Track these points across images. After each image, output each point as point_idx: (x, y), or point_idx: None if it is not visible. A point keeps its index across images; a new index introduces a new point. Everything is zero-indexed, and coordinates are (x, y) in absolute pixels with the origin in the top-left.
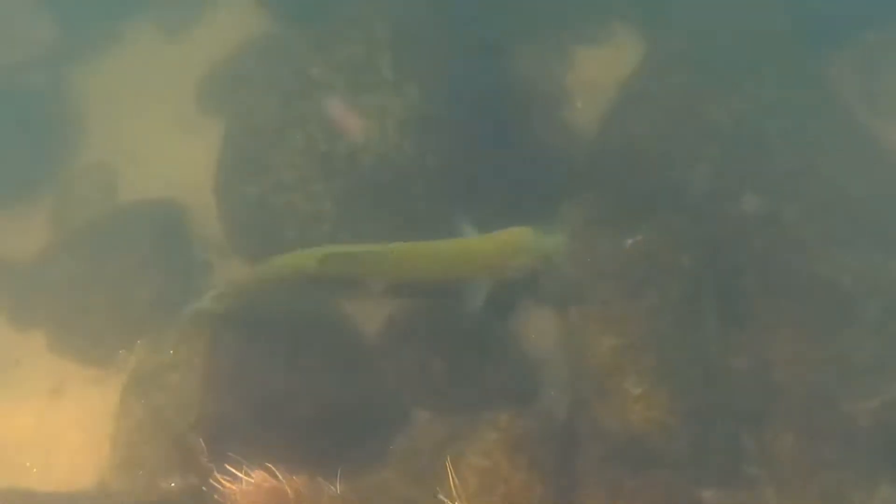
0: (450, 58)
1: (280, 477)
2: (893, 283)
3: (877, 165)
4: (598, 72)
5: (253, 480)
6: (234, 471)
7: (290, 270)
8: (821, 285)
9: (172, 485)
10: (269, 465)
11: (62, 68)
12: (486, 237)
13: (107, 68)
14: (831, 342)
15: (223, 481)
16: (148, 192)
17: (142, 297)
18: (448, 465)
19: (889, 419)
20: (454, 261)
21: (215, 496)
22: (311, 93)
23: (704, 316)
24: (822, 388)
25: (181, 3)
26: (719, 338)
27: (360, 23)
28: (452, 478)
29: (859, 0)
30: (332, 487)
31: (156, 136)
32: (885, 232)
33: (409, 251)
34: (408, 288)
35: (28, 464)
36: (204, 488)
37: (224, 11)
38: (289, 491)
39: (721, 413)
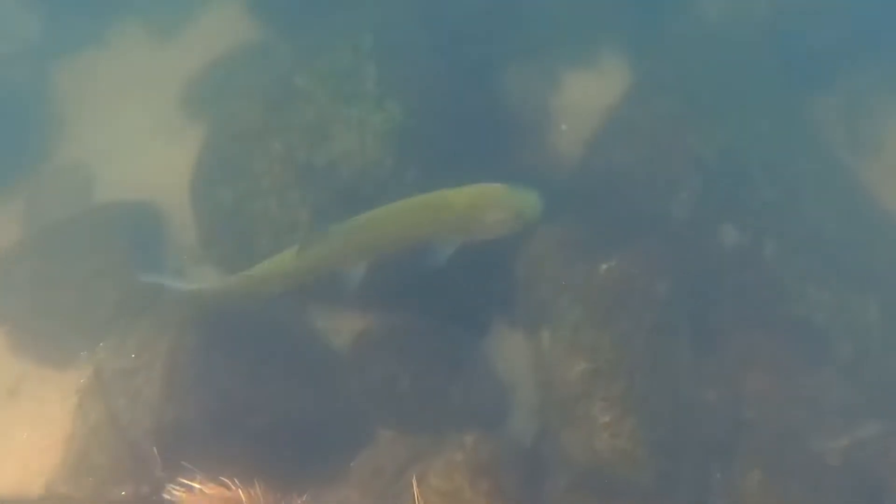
0: (435, 74)
1: (236, 489)
2: (866, 325)
3: (856, 206)
4: (583, 96)
5: (207, 492)
6: (188, 482)
7: (270, 276)
8: (795, 322)
9: (123, 493)
10: (226, 477)
11: (45, 65)
12: (458, 190)
13: (90, 68)
14: (803, 380)
15: (176, 491)
16: (124, 194)
17: (107, 300)
18: (414, 484)
19: (858, 459)
20: (427, 214)
21: None
22: (293, 101)
23: (677, 346)
24: (792, 426)
25: (169, 7)
26: (691, 369)
27: (347, 33)
28: (417, 499)
29: (845, 43)
30: (290, 502)
31: (135, 138)
32: (861, 272)
33: (381, 213)
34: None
35: None
36: (154, 498)
37: (211, 17)
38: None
39: (689, 445)
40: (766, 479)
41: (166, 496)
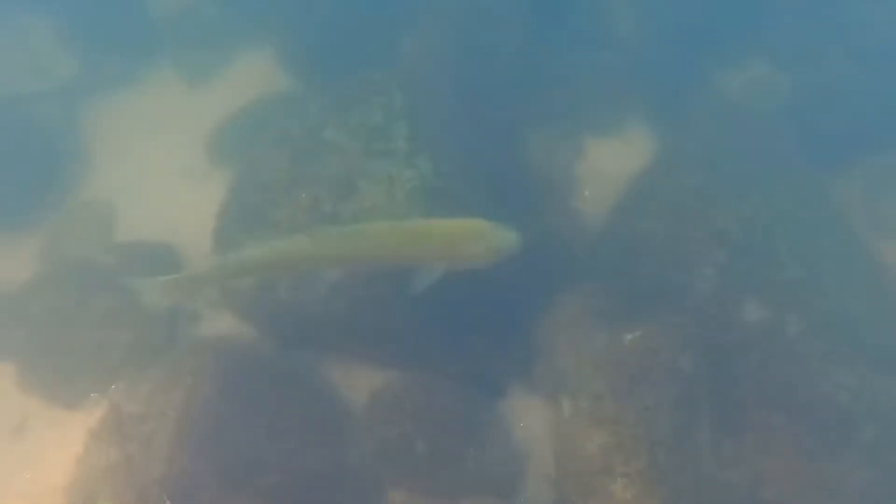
0: (464, 134)
1: None
2: (890, 408)
3: (879, 285)
4: (607, 163)
5: None
6: None
7: (251, 264)
8: (818, 403)
9: None
10: None
11: (76, 103)
12: (443, 221)
13: (120, 107)
14: (825, 462)
15: None
16: (145, 234)
17: (122, 341)
18: None
19: None
20: (410, 239)
21: None
22: (322, 153)
23: (699, 423)
24: None
25: (201, 53)
26: (712, 447)
27: (379, 90)
28: None
29: (867, 123)
30: None
31: (160, 179)
32: (885, 353)
33: (367, 229)
34: (365, 268)
35: None
36: None
37: (242, 65)
38: None
39: None
40: None
41: None
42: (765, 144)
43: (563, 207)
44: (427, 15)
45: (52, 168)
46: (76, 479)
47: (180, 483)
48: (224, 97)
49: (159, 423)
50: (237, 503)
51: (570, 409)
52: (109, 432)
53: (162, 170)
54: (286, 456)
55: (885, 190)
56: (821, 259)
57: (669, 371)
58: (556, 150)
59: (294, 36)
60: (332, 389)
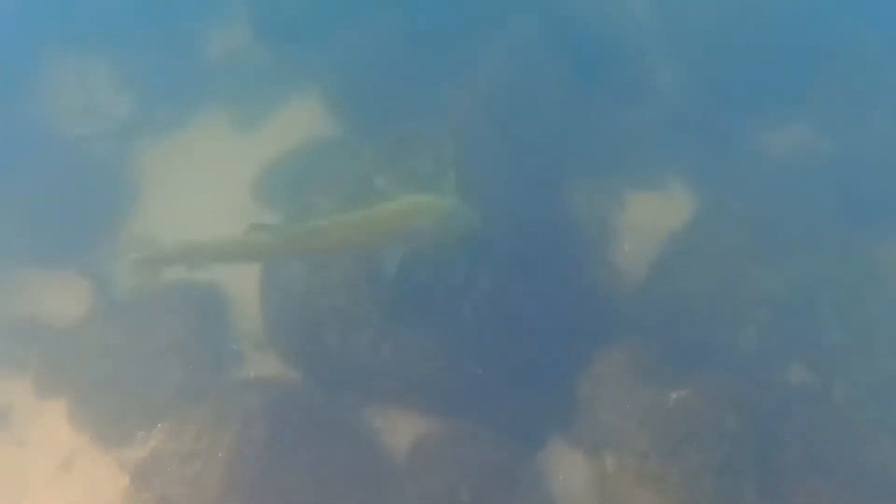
0: (510, 184)
1: None
2: None
3: None
4: (647, 218)
5: None
6: None
7: (216, 250)
8: (868, 471)
9: None
10: None
11: (130, 144)
12: (393, 200)
13: (172, 149)
14: None
15: None
16: (192, 273)
17: (170, 380)
18: None
19: None
20: (366, 225)
21: None
22: (371, 199)
23: (744, 486)
24: None
25: (251, 98)
26: None
27: (431, 139)
28: None
29: None
30: None
31: (209, 219)
32: None
33: (323, 222)
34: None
35: None
36: None
37: (291, 111)
38: None
39: None
40: None
41: None
42: (808, 206)
43: (603, 260)
44: (474, 67)
45: (105, 207)
46: None
47: None
48: (272, 141)
49: (206, 464)
50: None
51: (613, 466)
52: (153, 471)
53: (210, 211)
54: (331, 501)
55: None
56: (868, 323)
57: (715, 432)
58: (596, 203)
59: (342, 82)
60: (376, 436)
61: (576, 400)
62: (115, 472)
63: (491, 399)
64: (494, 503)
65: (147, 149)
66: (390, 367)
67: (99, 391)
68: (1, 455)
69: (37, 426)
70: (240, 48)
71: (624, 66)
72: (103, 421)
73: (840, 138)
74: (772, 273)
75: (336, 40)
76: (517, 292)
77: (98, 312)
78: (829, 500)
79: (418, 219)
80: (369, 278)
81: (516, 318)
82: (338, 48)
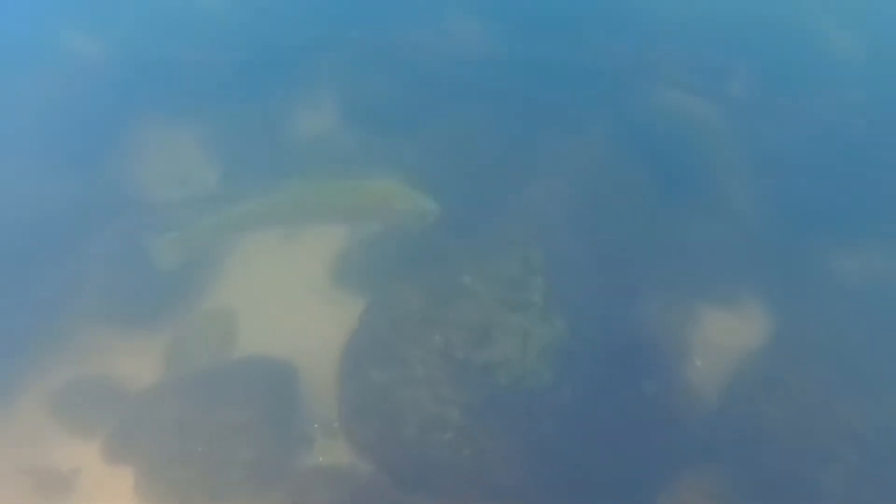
0: (597, 294)
1: None
2: None
3: None
4: (720, 335)
5: None
6: None
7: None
8: None
9: None
10: None
11: (211, 215)
12: (363, 182)
13: (251, 223)
14: None
15: None
16: (266, 350)
17: (239, 459)
18: None
19: None
20: (338, 198)
21: None
22: (458, 297)
23: None
24: None
25: (332, 174)
26: None
27: (518, 243)
28: None
29: None
30: None
31: (285, 297)
32: None
33: (296, 188)
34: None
35: None
36: None
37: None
38: None
39: None
40: None
41: None
42: (892, 339)
43: (679, 377)
44: (557, 169)
45: (182, 275)
46: None
47: None
48: (352, 226)
49: None
50: None
51: None
52: None
53: (287, 288)
54: None
55: None
56: None
57: None
58: (671, 317)
59: (424, 174)
60: None
61: None
62: None
63: None
64: None
65: (227, 221)
66: (467, 471)
67: (167, 464)
68: None
69: (102, 494)
70: (324, 132)
71: (702, 179)
72: (170, 495)
73: None
74: (860, 412)
75: (420, 132)
76: (597, 404)
77: (171, 382)
78: None
79: (384, 203)
80: (452, 376)
81: (595, 430)
82: (422, 140)
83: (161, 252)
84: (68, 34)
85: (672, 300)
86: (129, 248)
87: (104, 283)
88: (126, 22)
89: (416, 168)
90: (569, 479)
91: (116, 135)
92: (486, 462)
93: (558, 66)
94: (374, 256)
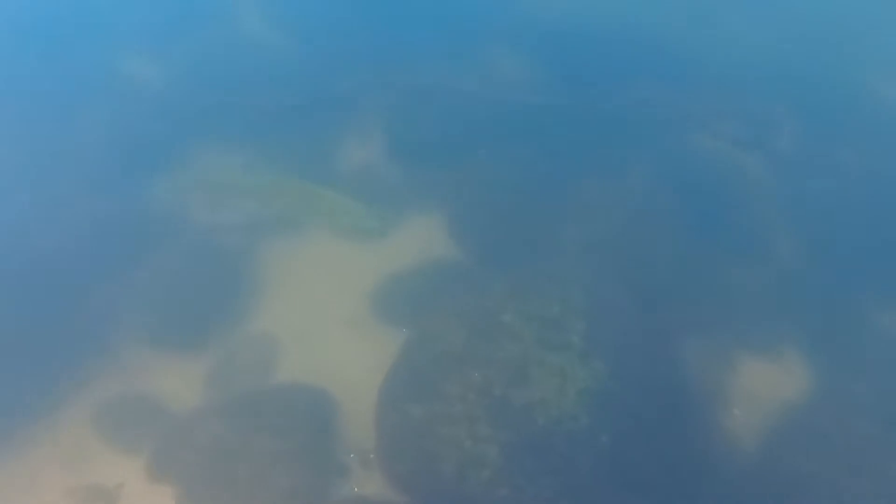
0: (635, 337)
1: None
2: None
3: None
4: (760, 384)
5: None
6: None
7: None
8: None
9: None
10: None
11: (259, 240)
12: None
13: (298, 250)
14: None
15: None
16: (306, 377)
17: (280, 486)
18: None
19: None
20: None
21: None
22: (498, 335)
23: None
24: None
25: (377, 210)
26: None
27: (558, 283)
28: None
29: None
30: None
31: (325, 325)
32: None
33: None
34: None
35: None
36: None
37: (414, 229)
38: None
39: None
40: None
41: None
42: None
43: (717, 424)
44: (597, 209)
45: (227, 296)
46: None
47: None
48: (394, 255)
49: None
50: None
51: None
52: None
53: (327, 315)
54: None
55: None
56: None
57: None
58: (709, 363)
59: (467, 209)
60: None
61: None
62: None
63: None
64: None
65: (273, 245)
66: None
67: (208, 485)
68: None
69: None
70: (371, 162)
71: (743, 226)
72: None
73: None
74: None
75: (465, 167)
76: (634, 450)
77: (213, 404)
78: None
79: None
80: (491, 414)
81: (632, 477)
82: (466, 175)
83: (205, 276)
84: (131, 63)
85: (711, 346)
86: (176, 271)
87: (151, 304)
88: (187, 54)
89: (456, 203)
90: None
91: (171, 160)
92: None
93: (601, 112)
94: (414, 289)
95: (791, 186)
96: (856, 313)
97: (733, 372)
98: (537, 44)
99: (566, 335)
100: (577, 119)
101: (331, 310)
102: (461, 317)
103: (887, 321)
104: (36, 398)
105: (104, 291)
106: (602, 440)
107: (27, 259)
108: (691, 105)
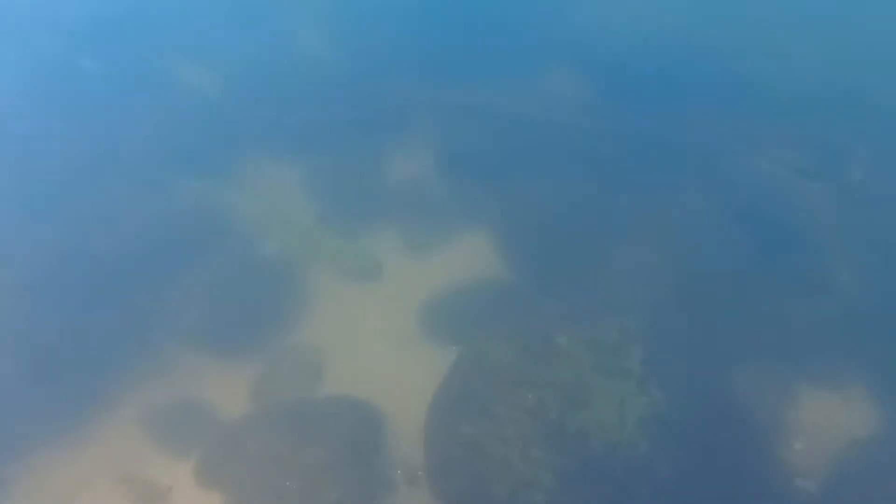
0: (694, 364)
1: None
2: None
3: None
4: (822, 418)
5: None
6: None
7: None
8: None
9: None
10: None
11: (308, 251)
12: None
13: (345, 262)
14: None
15: None
16: (353, 390)
17: (324, 498)
18: None
19: None
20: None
21: None
22: (553, 358)
23: None
24: None
25: (426, 227)
26: None
27: (614, 308)
28: None
29: None
30: None
31: (373, 339)
32: None
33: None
34: None
35: None
36: None
37: (463, 246)
38: None
39: None
40: None
41: None
42: None
43: (775, 457)
44: (652, 235)
45: (276, 306)
46: None
47: None
48: (443, 272)
49: None
50: None
51: None
52: None
53: (375, 330)
54: None
55: None
56: None
57: None
58: (769, 395)
59: (515, 227)
60: None
61: None
62: None
63: None
64: None
65: (322, 258)
66: None
67: (256, 492)
68: None
69: None
70: (419, 177)
71: (807, 256)
72: None
73: None
74: None
75: (515, 184)
76: (692, 481)
77: (262, 412)
78: None
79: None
80: (545, 438)
81: None
82: (520, 196)
83: (256, 284)
84: (185, 69)
85: (772, 377)
86: (227, 278)
87: (202, 310)
88: (242, 62)
89: (504, 221)
90: None
91: (223, 167)
92: None
93: (661, 136)
94: (465, 307)
95: (856, 216)
96: None
97: (794, 404)
98: (593, 65)
99: (624, 362)
100: (635, 143)
101: (381, 324)
102: (513, 338)
103: None
104: (87, 399)
105: (156, 296)
106: (660, 470)
107: (83, 262)
108: (758, 131)
